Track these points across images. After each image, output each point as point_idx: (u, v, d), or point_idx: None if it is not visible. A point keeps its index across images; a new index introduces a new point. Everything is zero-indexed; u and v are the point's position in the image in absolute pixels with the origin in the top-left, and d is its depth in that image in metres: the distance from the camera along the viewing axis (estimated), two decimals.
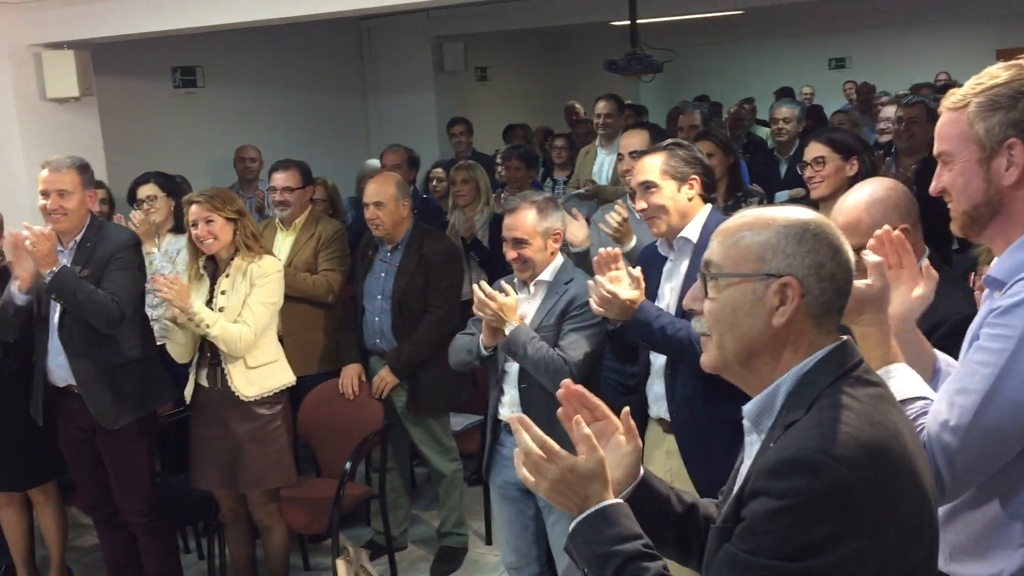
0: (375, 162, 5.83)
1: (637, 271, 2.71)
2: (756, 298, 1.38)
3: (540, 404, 2.98)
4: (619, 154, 3.91)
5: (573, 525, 1.44)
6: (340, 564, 3.65)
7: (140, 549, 3.79)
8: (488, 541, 4.41)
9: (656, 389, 2.87)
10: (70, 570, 4.20)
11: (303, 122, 7.81)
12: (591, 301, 2.72)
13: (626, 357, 3.03)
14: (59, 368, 3.56)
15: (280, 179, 4.42)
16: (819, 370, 1.37)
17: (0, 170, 5.01)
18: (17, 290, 3.50)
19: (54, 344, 3.55)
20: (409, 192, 4.38)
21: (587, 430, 1.46)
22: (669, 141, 2.96)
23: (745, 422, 1.46)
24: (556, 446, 1.46)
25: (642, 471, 1.56)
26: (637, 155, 3.70)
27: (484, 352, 3.09)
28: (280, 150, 5.56)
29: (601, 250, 2.76)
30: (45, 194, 3.51)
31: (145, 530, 3.74)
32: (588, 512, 1.42)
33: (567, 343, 2.97)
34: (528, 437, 1.46)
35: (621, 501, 1.45)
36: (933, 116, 4.93)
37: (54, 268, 3.37)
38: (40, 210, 3.55)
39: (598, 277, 2.71)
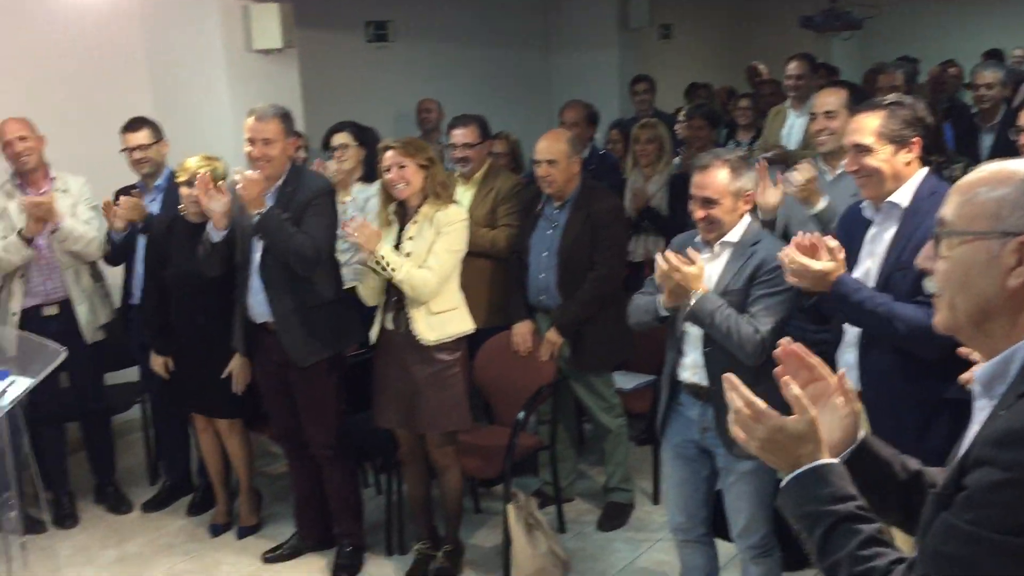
0: None
1: (834, 243, 2.60)
2: (990, 257, 1.30)
3: (725, 366, 2.91)
4: (812, 114, 3.75)
5: (783, 483, 1.44)
6: (511, 510, 3.74)
7: (324, 479, 4.01)
8: (655, 501, 4.42)
9: (847, 358, 2.77)
10: (259, 493, 4.51)
11: (486, 77, 7.92)
12: (786, 273, 2.64)
13: (818, 320, 2.92)
14: (258, 305, 3.78)
15: (460, 135, 4.49)
16: None
17: (209, 117, 5.34)
18: (211, 227, 3.74)
19: (255, 282, 3.77)
20: (580, 149, 4.36)
21: (797, 391, 1.44)
22: (890, 99, 2.77)
23: (975, 386, 1.39)
24: (762, 406, 1.45)
25: (862, 434, 1.51)
26: (832, 115, 3.57)
27: (663, 313, 3.06)
28: (463, 104, 5.66)
29: (798, 238, 2.65)
30: (251, 142, 3.69)
31: (330, 462, 3.95)
32: (799, 471, 1.41)
33: (757, 310, 2.88)
34: (737, 397, 1.47)
35: (836, 462, 1.42)
36: None
37: (261, 210, 3.59)
38: (246, 156, 3.76)
39: (789, 249, 2.62)
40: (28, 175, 4.36)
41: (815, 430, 1.42)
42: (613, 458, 4.30)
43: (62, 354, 2.35)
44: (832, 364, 2.83)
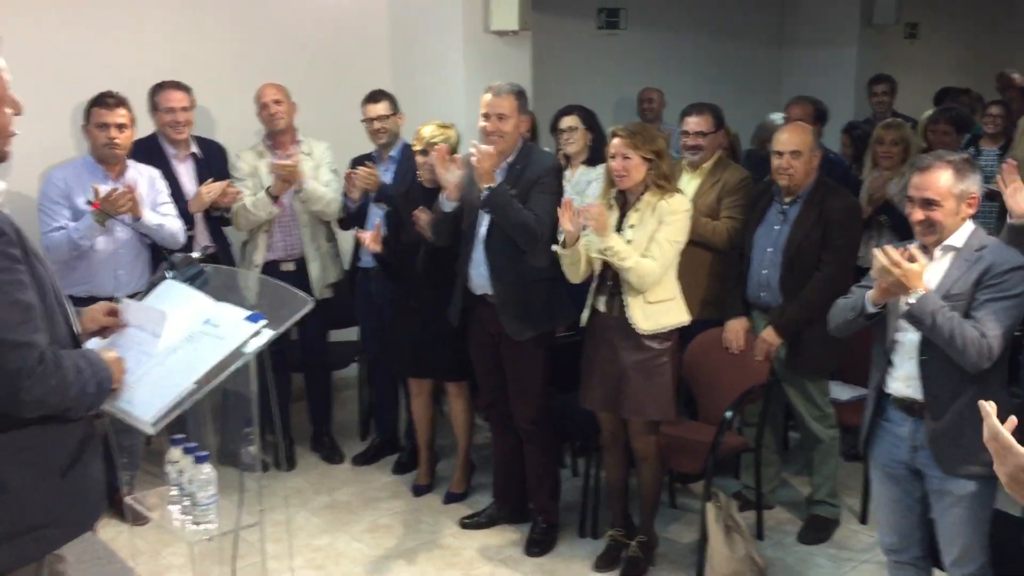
0: (778, 116, 5.66)
1: None
2: None
3: (943, 378, 2.77)
4: None
5: None
6: (710, 508, 3.67)
7: (525, 454, 4.08)
8: (863, 520, 4.21)
9: None
10: (473, 463, 4.64)
11: (712, 68, 7.76)
12: None
13: None
14: (479, 277, 3.88)
15: (693, 123, 4.42)
16: None
17: (443, 93, 5.52)
18: (444, 197, 3.86)
19: (478, 255, 3.86)
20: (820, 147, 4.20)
21: None
22: None
23: None
24: (1008, 440, 1.40)
25: None
26: None
27: (871, 309, 2.88)
28: (686, 95, 5.58)
29: None
30: (486, 117, 3.79)
31: (532, 437, 4.01)
32: None
33: (983, 315, 2.70)
34: (987, 427, 1.44)
35: None
36: None
37: (491, 185, 3.68)
38: (480, 131, 3.85)
39: None
40: (278, 137, 4.68)
41: None
42: (822, 470, 4.12)
43: (309, 303, 2.50)
44: None
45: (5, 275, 1.93)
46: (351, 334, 5.30)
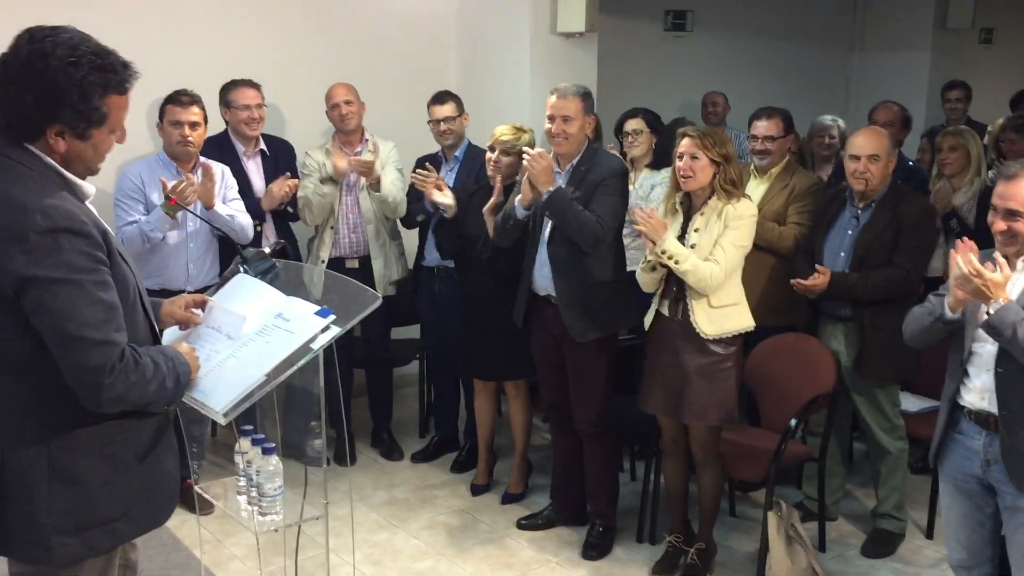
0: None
1: None
2: None
3: (1019, 391, 2.69)
4: None
5: None
6: (772, 517, 3.62)
7: (584, 455, 4.07)
8: (929, 535, 4.12)
9: None
10: (530, 463, 4.65)
11: (781, 72, 7.67)
12: None
13: None
14: (543, 278, 3.88)
15: (763, 127, 4.37)
16: None
17: (508, 94, 5.53)
18: (519, 203, 3.86)
19: (542, 256, 3.86)
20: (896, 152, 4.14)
21: None
22: None
23: None
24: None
25: None
26: None
27: (949, 315, 2.80)
28: (752, 99, 5.52)
29: None
30: (551, 118, 3.79)
31: (592, 439, 4.00)
32: None
33: None
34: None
35: None
36: None
37: (551, 188, 3.67)
38: (545, 133, 3.86)
39: None
40: (347, 136, 4.74)
41: None
42: (889, 482, 4.04)
43: (378, 300, 2.53)
44: None
45: (89, 275, 1.99)
46: (413, 331, 5.33)
